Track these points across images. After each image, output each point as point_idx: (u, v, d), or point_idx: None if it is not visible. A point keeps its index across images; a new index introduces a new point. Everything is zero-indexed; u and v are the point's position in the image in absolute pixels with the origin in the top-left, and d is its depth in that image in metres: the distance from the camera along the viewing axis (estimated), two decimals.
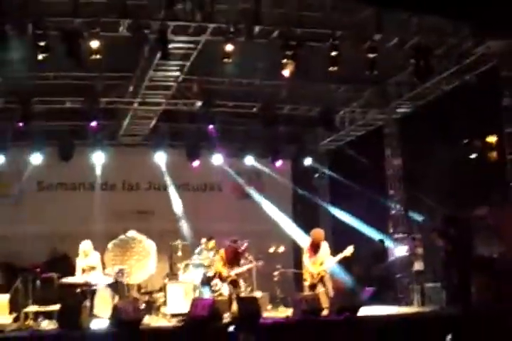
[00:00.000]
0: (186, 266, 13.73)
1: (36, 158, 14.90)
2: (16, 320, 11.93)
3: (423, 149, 14.54)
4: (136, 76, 12.51)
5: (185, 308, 11.99)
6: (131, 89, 12.92)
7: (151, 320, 11.87)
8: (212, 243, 13.90)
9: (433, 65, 11.56)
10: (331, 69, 11.05)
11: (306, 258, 12.06)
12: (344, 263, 12.22)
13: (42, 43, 9.75)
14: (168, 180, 16.17)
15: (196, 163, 15.59)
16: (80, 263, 12.46)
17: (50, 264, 13.81)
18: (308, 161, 16.75)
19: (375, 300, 12.64)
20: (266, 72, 12.70)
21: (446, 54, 11.78)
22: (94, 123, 13.60)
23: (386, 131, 15.10)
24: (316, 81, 13.32)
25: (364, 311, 11.18)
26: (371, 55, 10.90)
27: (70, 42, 9.87)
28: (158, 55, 10.66)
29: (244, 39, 10.52)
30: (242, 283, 12.90)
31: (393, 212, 14.84)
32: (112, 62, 11.46)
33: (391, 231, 14.82)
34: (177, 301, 12.84)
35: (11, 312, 12.17)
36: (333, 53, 10.78)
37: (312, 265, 11.89)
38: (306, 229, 13.76)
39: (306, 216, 16.31)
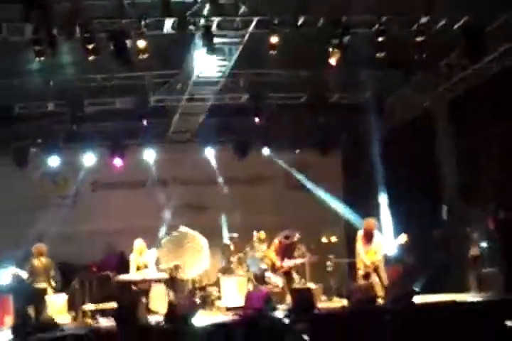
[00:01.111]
0: (239, 259, 13.81)
1: (89, 159, 15.17)
2: (74, 318, 12.20)
3: (475, 132, 14.26)
4: (183, 73, 12.57)
5: (239, 301, 12.09)
6: (178, 86, 13.00)
7: (206, 314, 11.99)
8: (263, 235, 13.95)
9: (484, 45, 11.31)
10: (378, 55, 10.92)
11: (359, 247, 12.00)
12: (399, 251, 12.09)
13: (90, 46, 9.88)
14: (218, 174, 16.27)
15: (244, 157, 15.63)
16: (134, 260, 12.64)
17: (106, 262, 14.05)
18: (358, 149, 16.56)
19: (430, 287, 12.52)
20: (313, 62, 12.61)
21: (496, 33, 11.48)
22: (145, 122, 13.73)
23: (437, 115, 14.85)
24: (364, 67, 13.17)
25: (420, 299, 11.08)
26: (419, 38, 10.73)
27: (117, 43, 9.97)
28: (204, 51, 10.68)
29: (289, 30, 10.46)
30: (295, 274, 12.93)
31: (447, 197, 14.61)
32: (159, 61, 11.56)
33: (445, 217, 14.60)
34: (231, 295, 12.96)
35: (69, 311, 12.45)
36: (380, 39, 10.65)
37: (366, 254, 11.84)
38: (359, 218, 13.70)
39: (358, 205, 16.15)
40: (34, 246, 12.21)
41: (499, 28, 11.38)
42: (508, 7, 10.78)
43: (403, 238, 11.56)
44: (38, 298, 11.84)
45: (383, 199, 16.19)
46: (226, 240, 14.65)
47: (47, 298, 11.96)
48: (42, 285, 11.88)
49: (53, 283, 12.03)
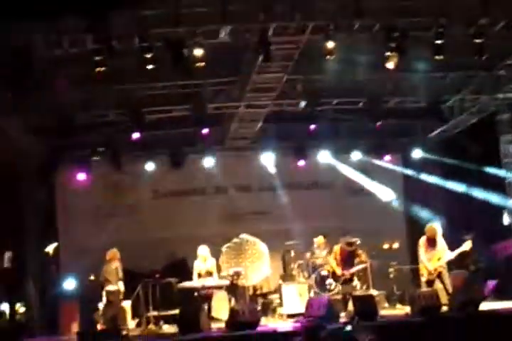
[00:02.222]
0: (299, 266, 13.75)
1: (150, 167, 15.37)
2: (138, 324, 12.36)
3: None
4: (241, 80, 12.62)
5: (301, 308, 12.03)
6: (236, 93, 13.05)
7: (267, 322, 11.97)
8: (321, 240, 13.86)
9: None
10: (436, 58, 10.73)
11: (422, 253, 11.81)
12: (461, 257, 11.83)
13: (148, 55, 10.02)
14: (277, 180, 16.24)
15: (303, 163, 15.60)
16: (198, 267, 12.72)
17: (168, 269, 14.19)
18: (418, 154, 16.31)
19: (497, 293, 12.20)
20: (370, 66, 12.50)
21: None
22: (205, 131, 13.82)
23: (499, 118, 14.50)
24: (422, 71, 12.97)
25: (486, 306, 10.81)
26: (478, 40, 10.49)
27: (174, 51, 10.09)
28: (261, 58, 10.70)
29: (345, 34, 10.39)
30: (357, 281, 12.79)
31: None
32: (216, 68, 11.63)
33: (507, 222, 14.23)
34: (292, 301, 12.91)
35: (133, 318, 12.63)
36: (438, 41, 10.46)
37: (428, 261, 11.64)
38: (421, 223, 13.47)
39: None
40: (109, 251, 12.43)
41: None
42: None
43: (467, 245, 11.30)
44: (111, 301, 12.06)
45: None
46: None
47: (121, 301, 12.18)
48: (114, 287, 12.07)
49: (122, 287, 12.19)
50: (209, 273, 12.73)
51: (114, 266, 12.15)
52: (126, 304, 12.67)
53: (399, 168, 16.74)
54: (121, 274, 12.16)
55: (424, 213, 15.25)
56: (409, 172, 16.51)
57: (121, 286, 12.10)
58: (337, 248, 12.86)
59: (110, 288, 12.05)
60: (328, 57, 10.50)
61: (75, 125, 12.90)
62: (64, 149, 14.51)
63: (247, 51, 11.27)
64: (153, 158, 15.37)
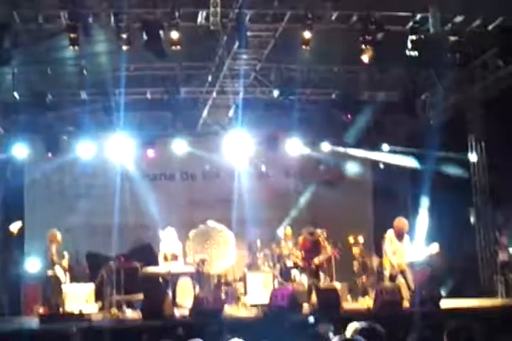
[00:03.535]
0: (265, 255, 13.75)
1: (119, 149, 15.18)
2: (101, 308, 12.27)
3: (508, 134, 14.00)
4: (215, 65, 12.54)
5: (265, 298, 12.04)
6: (210, 78, 12.97)
7: (231, 310, 11.97)
8: (289, 231, 13.87)
9: None
10: (411, 53, 10.76)
11: (387, 246, 11.86)
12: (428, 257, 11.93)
13: (124, 35, 9.90)
14: (246, 168, 16.19)
15: (274, 151, 15.53)
16: (163, 249, 12.66)
17: (134, 253, 14.10)
18: (387, 148, 16.38)
19: (458, 291, 12.36)
20: (344, 58, 12.50)
21: None
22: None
23: (470, 116, 14.62)
24: (396, 65, 13.02)
25: (446, 303, 10.93)
26: (453, 38, 10.55)
27: (150, 33, 9.98)
28: (236, 44, 10.64)
29: (322, 25, 10.37)
30: (321, 273, 12.83)
31: (477, 201, 14.37)
32: (191, 52, 11.54)
33: (475, 220, 14.38)
34: (257, 291, 12.90)
35: (96, 301, 12.53)
36: (413, 37, 10.49)
37: (393, 254, 11.69)
38: (387, 218, 13.53)
39: (388, 205, 15.98)
40: (49, 231, 12.22)
41: None
42: None
43: (435, 248, 11.38)
44: (53, 287, 11.89)
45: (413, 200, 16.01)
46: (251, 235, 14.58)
47: (64, 286, 12.03)
48: (51, 272, 11.91)
49: (59, 272, 11.99)
50: (174, 257, 12.68)
51: (54, 248, 11.96)
52: (90, 287, 12.58)
53: (368, 162, 16.78)
54: (58, 257, 11.94)
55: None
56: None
57: (57, 270, 11.93)
58: (301, 238, 12.89)
59: (49, 272, 11.90)
60: (304, 46, 10.47)
61: (46, 103, 12.72)
62: (34, 127, 14.27)
63: (224, 36, 11.18)
64: (124, 140, 15.17)
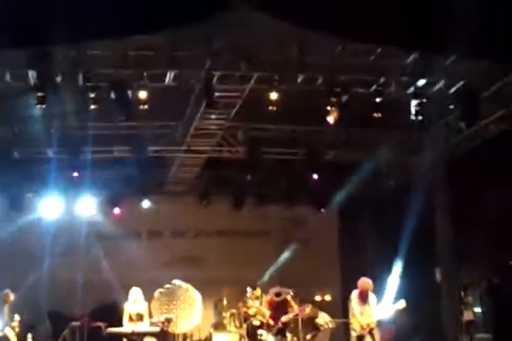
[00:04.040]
0: (232, 315, 13.60)
1: (86, 207, 15.13)
2: None
3: (472, 195, 14.24)
4: (183, 124, 12.68)
5: None
6: (177, 137, 13.09)
7: None
8: (258, 291, 13.77)
9: (480, 109, 11.46)
10: (375, 115, 11.01)
11: (355, 307, 11.79)
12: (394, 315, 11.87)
13: (92, 95, 10.01)
14: (213, 226, 16.21)
15: (240, 210, 15.59)
16: (128, 309, 12.44)
17: (98, 313, 13.86)
18: (353, 208, 16.57)
19: None
20: (310, 119, 12.73)
21: (493, 97, 11.64)
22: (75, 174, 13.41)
23: (434, 176, 14.84)
24: (361, 126, 13.29)
25: None
26: (415, 101, 10.84)
27: (118, 93, 10.09)
28: (204, 104, 10.80)
29: (288, 87, 10.59)
30: (287, 333, 12.70)
31: (441, 260, 14.45)
32: (159, 111, 11.67)
33: (440, 280, 14.43)
34: None
35: None
36: (378, 99, 10.76)
37: (361, 316, 11.62)
38: (354, 277, 13.52)
39: (354, 264, 16.01)
40: (1, 292, 11.90)
41: (495, 93, 11.51)
42: (503, 74, 10.94)
43: (401, 304, 11.36)
44: None
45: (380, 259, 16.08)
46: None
47: None
48: (3, 334, 11.57)
49: (10, 333, 11.63)
50: (140, 317, 12.44)
51: (6, 308, 11.67)
52: None
53: (334, 222, 16.92)
54: (9, 319, 11.60)
55: None
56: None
57: (7, 332, 11.59)
58: (267, 298, 12.81)
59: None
60: (270, 107, 10.67)
61: (12, 160, 12.68)
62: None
63: (192, 96, 11.36)
64: (91, 198, 15.15)
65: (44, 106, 9.99)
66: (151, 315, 13.07)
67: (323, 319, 12.60)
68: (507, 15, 8.98)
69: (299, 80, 10.61)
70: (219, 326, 13.83)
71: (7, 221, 14.64)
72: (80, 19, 8.38)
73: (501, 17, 9.02)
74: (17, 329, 11.74)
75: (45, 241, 15.47)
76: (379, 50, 10.28)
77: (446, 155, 14.25)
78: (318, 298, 13.77)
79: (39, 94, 9.80)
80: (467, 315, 13.05)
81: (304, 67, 10.46)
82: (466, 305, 13.21)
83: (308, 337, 12.89)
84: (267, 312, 12.63)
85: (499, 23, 9.10)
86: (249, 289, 13.89)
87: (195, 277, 14.61)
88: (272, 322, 12.53)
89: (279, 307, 12.61)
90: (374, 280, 12.20)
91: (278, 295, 12.58)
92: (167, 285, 14.06)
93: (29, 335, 11.96)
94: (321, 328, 12.51)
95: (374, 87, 10.73)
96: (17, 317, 11.80)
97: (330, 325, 12.30)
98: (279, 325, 12.47)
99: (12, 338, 11.66)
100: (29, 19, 8.26)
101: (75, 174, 13.35)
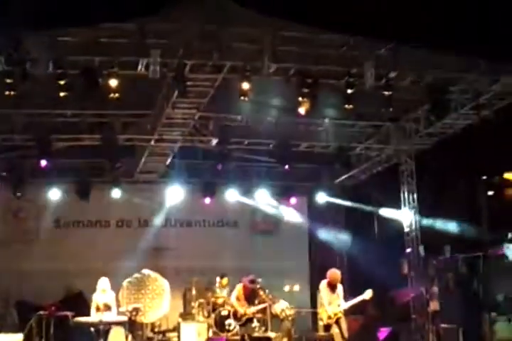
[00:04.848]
0: (200, 304, 13.61)
1: (54, 195, 15.00)
2: None
3: (440, 186, 14.42)
4: (154, 113, 12.60)
5: None
6: (148, 126, 13.01)
7: None
8: (225, 280, 13.81)
9: (449, 102, 11.57)
10: (346, 106, 11.06)
11: (323, 297, 11.88)
12: (359, 303, 11.99)
13: (62, 81, 9.88)
14: (183, 216, 16.19)
15: (210, 200, 15.59)
16: (96, 299, 12.37)
17: (65, 302, 13.77)
18: (324, 198, 16.69)
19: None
20: (282, 109, 12.74)
21: (462, 90, 11.77)
22: (43, 163, 13.06)
23: (402, 168, 15.02)
24: (332, 118, 13.35)
25: None
26: (387, 92, 10.89)
27: (89, 80, 9.98)
28: (176, 93, 10.74)
29: (260, 77, 10.57)
30: (256, 322, 12.76)
31: (409, 250, 14.62)
32: (130, 100, 11.58)
33: (406, 270, 14.58)
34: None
35: None
36: (349, 91, 10.80)
37: (328, 305, 11.72)
38: (322, 268, 13.63)
39: (322, 255, 16.14)
40: None
41: (465, 86, 11.64)
42: (473, 67, 11.07)
43: (369, 294, 11.47)
44: None
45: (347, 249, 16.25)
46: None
47: None
48: None
49: None
50: (107, 307, 12.37)
51: None
52: (18, 337, 12.15)
53: (304, 212, 17.01)
54: None
55: None
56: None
57: None
58: (239, 286, 12.85)
59: None
60: (242, 97, 10.65)
61: None
62: None
63: (163, 85, 11.28)
64: (59, 187, 15.01)
65: (13, 93, 9.84)
66: (119, 305, 13.03)
67: (281, 307, 12.68)
68: (475, 6, 9.09)
69: (271, 71, 10.58)
70: (187, 315, 13.84)
71: None
72: (52, 5, 8.28)
73: (470, 8, 9.12)
74: None
75: (14, 228, 15.35)
76: (351, 40, 10.31)
77: (416, 147, 14.39)
78: (287, 288, 13.80)
79: (8, 80, 9.66)
80: (433, 305, 13.25)
81: (276, 58, 10.43)
82: (432, 295, 13.41)
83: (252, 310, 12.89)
84: (236, 302, 12.68)
85: (470, 13, 9.21)
86: (217, 279, 13.93)
87: (163, 267, 14.59)
88: (242, 312, 12.58)
89: (249, 296, 12.68)
90: (344, 272, 12.35)
91: (252, 282, 12.65)
92: (136, 275, 14.01)
93: None
94: (281, 316, 12.57)
95: (346, 79, 10.74)
96: None
97: (287, 312, 12.35)
98: (249, 314, 12.53)
99: None
100: (0, 4, 8.14)
101: (43, 162, 13.12)
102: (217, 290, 13.84)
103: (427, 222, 14.50)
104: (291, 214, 16.64)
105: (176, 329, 13.41)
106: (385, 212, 15.37)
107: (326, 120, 13.35)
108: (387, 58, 10.63)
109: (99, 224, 16.15)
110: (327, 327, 11.70)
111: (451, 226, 14.39)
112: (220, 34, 9.89)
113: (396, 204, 14.85)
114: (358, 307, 12.17)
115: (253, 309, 12.66)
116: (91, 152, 13.96)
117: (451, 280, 12.79)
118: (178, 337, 13.06)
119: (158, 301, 13.70)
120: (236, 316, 12.82)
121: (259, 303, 12.73)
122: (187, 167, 15.33)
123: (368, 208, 15.49)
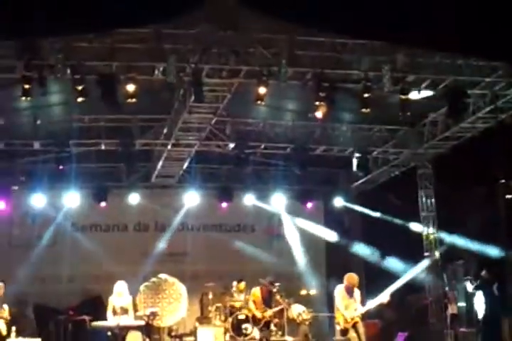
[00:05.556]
0: (217, 308, 13.62)
1: (72, 200, 15.07)
2: None
3: (458, 190, 14.33)
4: (171, 118, 12.64)
5: None
6: (165, 131, 13.05)
7: None
8: (242, 285, 13.80)
9: (467, 105, 11.51)
10: (363, 110, 11.02)
11: (339, 301, 11.84)
12: (377, 307, 11.94)
13: (80, 87, 9.94)
14: (200, 221, 16.21)
15: (227, 205, 15.61)
16: (113, 302, 12.40)
17: (83, 306, 13.80)
18: (340, 202, 16.64)
19: None
20: (299, 114, 12.73)
21: (480, 94, 11.70)
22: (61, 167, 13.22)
23: (420, 172, 14.94)
24: (350, 122, 13.32)
25: None
26: (404, 97, 10.85)
27: (106, 86, 10.03)
28: (192, 98, 10.77)
29: (277, 81, 10.57)
30: (273, 326, 12.74)
31: (427, 253, 14.55)
32: (147, 105, 11.62)
33: (425, 273, 14.51)
34: None
35: None
36: (366, 95, 10.76)
37: (345, 309, 11.66)
38: (339, 272, 13.57)
39: (339, 259, 16.07)
40: None
41: (483, 89, 11.57)
42: (491, 71, 11.00)
43: (386, 297, 11.42)
44: None
45: (364, 252, 16.18)
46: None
47: None
48: None
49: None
50: (124, 310, 12.39)
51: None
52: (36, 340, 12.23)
53: (321, 216, 16.97)
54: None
55: None
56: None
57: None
58: (256, 289, 12.86)
59: None
60: (259, 102, 10.65)
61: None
62: None
63: (180, 90, 11.31)
64: (77, 191, 15.08)
65: (29, 99, 9.91)
66: (136, 309, 13.06)
67: (297, 311, 12.66)
68: (489, 12, 9.04)
69: (288, 74, 10.56)
70: (204, 320, 13.84)
71: None
72: (69, 11, 8.34)
73: (487, 12, 9.07)
74: (8, 318, 11.69)
75: (31, 234, 15.42)
76: (369, 45, 10.29)
77: (433, 151, 14.30)
78: (303, 292, 13.79)
79: (25, 86, 9.73)
80: (452, 309, 13.17)
81: (292, 62, 10.42)
82: (450, 299, 13.32)
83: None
84: (254, 305, 12.66)
85: (487, 17, 9.16)
86: (234, 283, 13.93)
87: (180, 271, 14.61)
88: (259, 315, 12.56)
89: (266, 299, 12.69)
90: (360, 275, 12.28)
91: (272, 283, 12.67)
92: (153, 279, 14.05)
93: (13, 328, 11.86)
94: (297, 320, 12.55)
95: (363, 83, 10.70)
96: (6, 307, 11.75)
97: (303, 316, 12.32)
98: (267, 317, 12.52)
99: (3, 330, 11.60)
100: (18, 11, 8.20)
101: (61, 167, 13.21)
102: (235, 294, 13.83)
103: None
104: (308, 218, 16.60)
105: (193, 333, 13.42)
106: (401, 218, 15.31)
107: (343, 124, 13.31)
108: (405, 62, 10.59)
109: (117, 228, 16.20)
110: (344, 332, 11.64)
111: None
112: (237, 39, 9.90)
113: (414, 209, 14.78)
114: (375, 312, 12.14)
115: (270, 312, 12.65)
116: (108, 157, 14.02)
117: (470, 284, 12.67)
118: (195, 340, 13.07)
119: (175, 305, 13.73)
120: (254, 320, 12.80)
121: (276, 306, 12.73)
122: (203, 171, 15.38)
123: (387, 217, 15.40)
